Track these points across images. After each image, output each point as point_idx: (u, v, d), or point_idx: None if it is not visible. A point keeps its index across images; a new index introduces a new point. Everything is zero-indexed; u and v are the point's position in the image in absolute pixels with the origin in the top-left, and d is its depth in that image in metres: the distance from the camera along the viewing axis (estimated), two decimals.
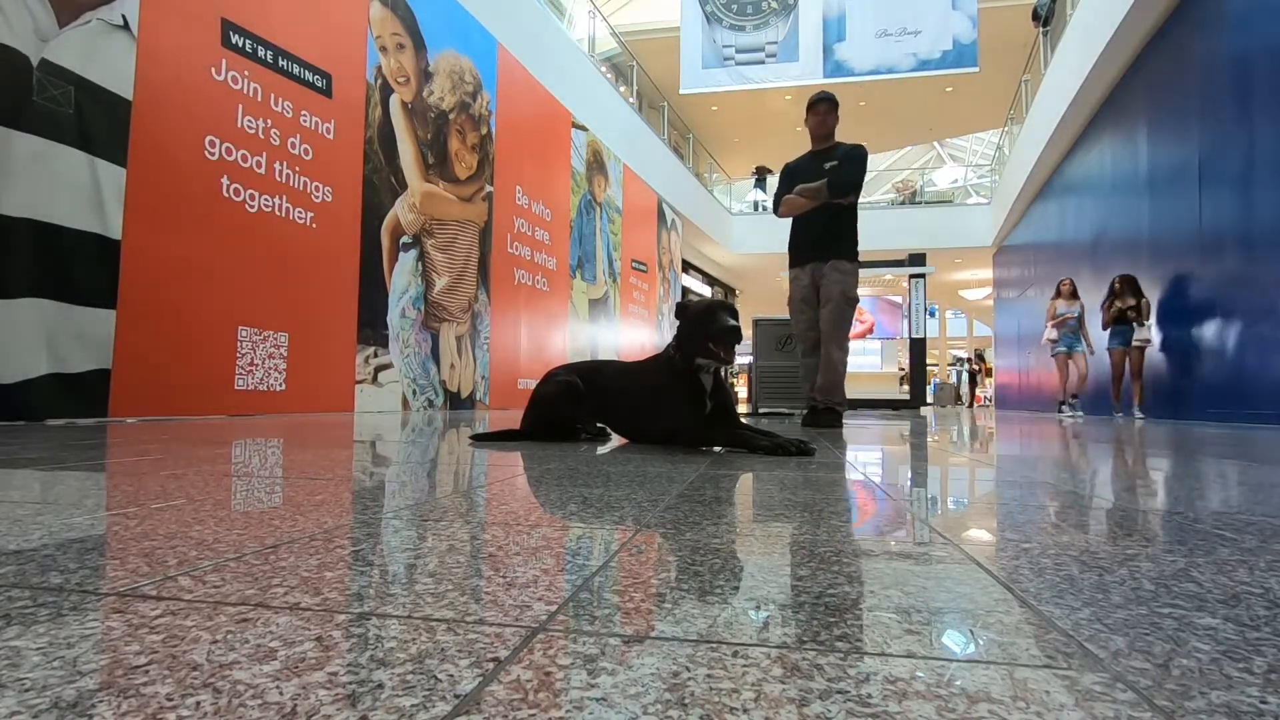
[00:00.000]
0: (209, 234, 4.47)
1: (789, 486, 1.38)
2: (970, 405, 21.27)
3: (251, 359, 4.76)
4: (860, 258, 4.26)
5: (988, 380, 24.84)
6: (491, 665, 0.45)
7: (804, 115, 4.35)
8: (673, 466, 1.70)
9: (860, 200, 4.19)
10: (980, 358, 26.80)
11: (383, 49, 6.16)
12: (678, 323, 2.38)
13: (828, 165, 4.09)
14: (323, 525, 0.92)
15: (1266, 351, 5.18)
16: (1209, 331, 6.04)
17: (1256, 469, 1.87)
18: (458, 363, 7.14)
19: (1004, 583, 0.68)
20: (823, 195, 4.04)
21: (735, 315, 2.26)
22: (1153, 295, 7.14)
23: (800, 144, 4.39)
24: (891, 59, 12.70)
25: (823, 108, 4.17)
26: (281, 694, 0.40)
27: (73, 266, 3.70)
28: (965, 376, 22.86)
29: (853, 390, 14.46)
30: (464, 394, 7.23)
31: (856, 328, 18.12)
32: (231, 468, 1.61)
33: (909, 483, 1.59)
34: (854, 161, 4.10)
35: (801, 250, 4.19)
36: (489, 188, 7.77)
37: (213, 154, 4.52)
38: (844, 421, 4.66)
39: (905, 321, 17.33)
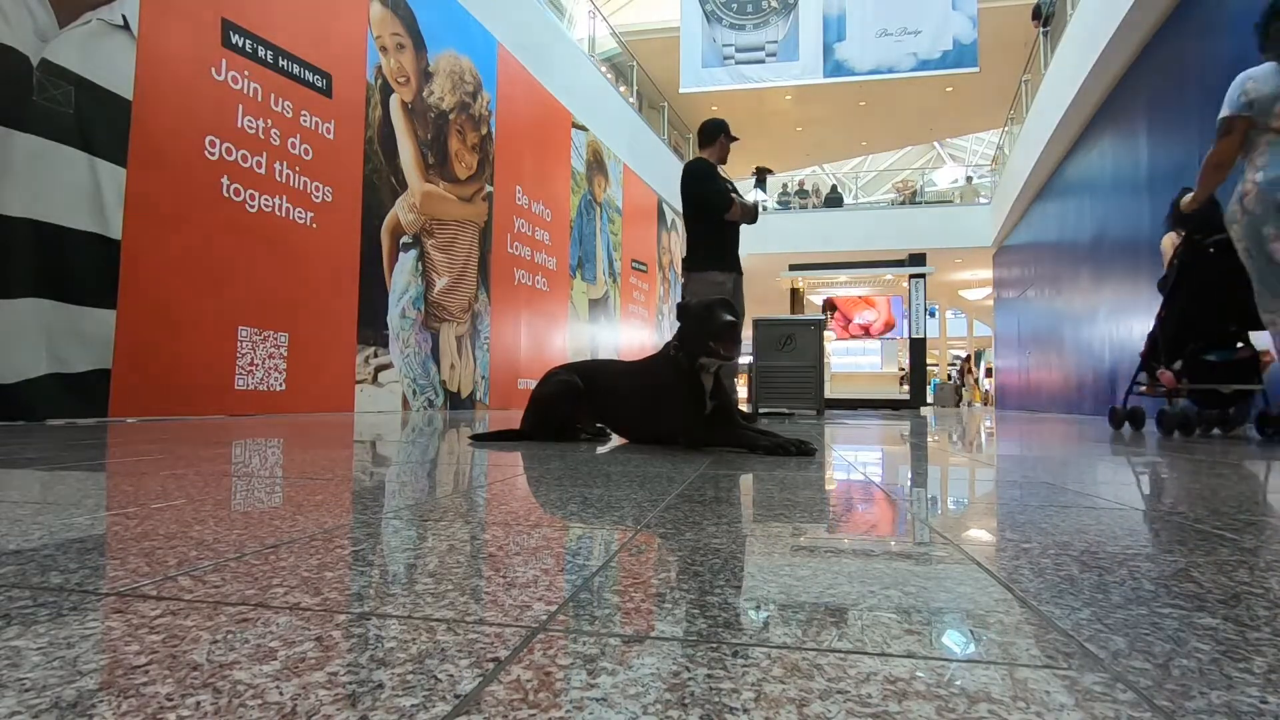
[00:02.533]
0: (209, 234, 4.47)
1: (789, 486, 1.38)
2: (955, 405, 21.40)
3: (251, 359, 4.76)
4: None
5: (980, 379, 24.95)
6: (491, 665, 0.45)
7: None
8: (673, 466, 1.70)
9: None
10: (971, 358, 26.94)
11: (383, 49, 6.16)
12: (679, 323, 2.38)
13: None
14: (323, 525, 0.92)
15: None
16: None
17: None
18: (458, 363, 7.14)
19: (1004, 583, 0.68)
20: (751, 218, 4.33)
21: (734, 311, 2.26)
22: (1153, 295, 7.13)
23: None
24: (891, 59, 12.69)
25: (723, 139, 4.48)
26: (281, 694, 0.40)
27: (73, 266, 3.70)
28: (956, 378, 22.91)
29: (853, 390, 14.50)
30: (464, 394, 7.22)
31: (866, 322, 18.11)
32: (231, 468, 1.61)
33: (908, 482, 1.59)
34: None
35: (730, 259, 4.41)
36: (489, 188, 7.77)
37: (213, 154, 4.52)
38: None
39: (905, 321, 17.32)
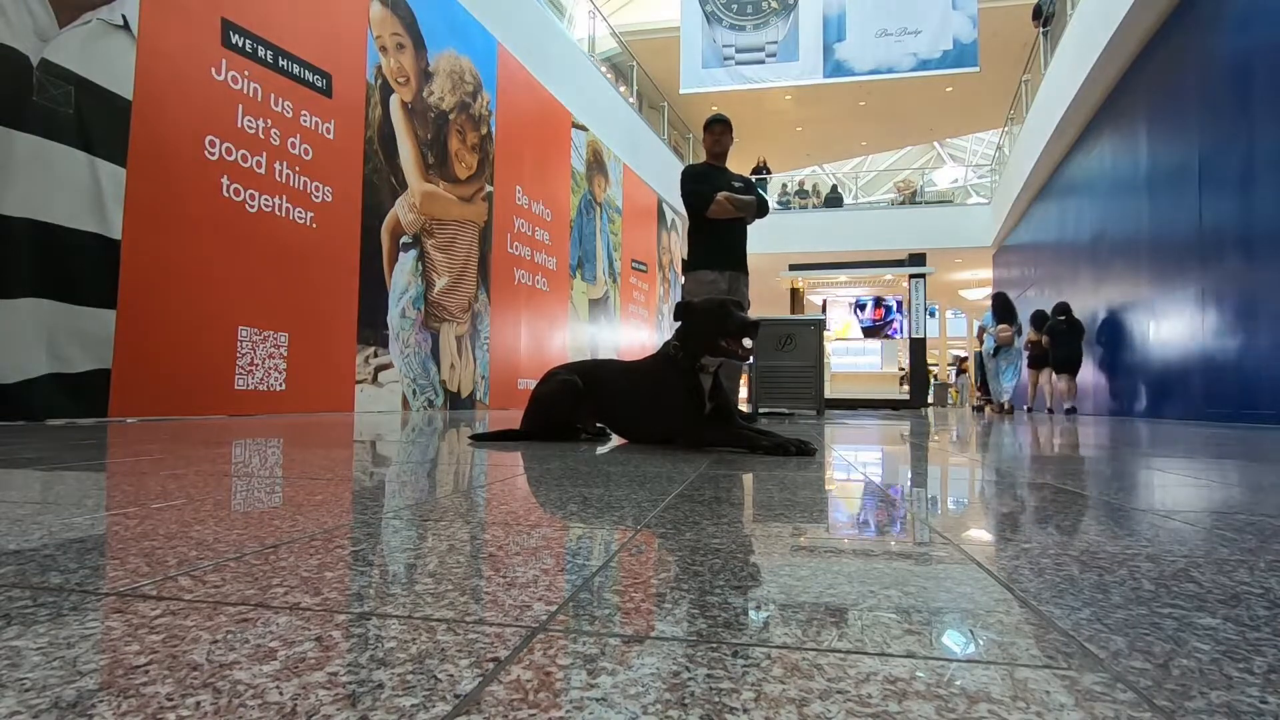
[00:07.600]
0: (209, 234, 4.47)
1: (789, 486, 1.38)
2: (942, 404, 21.68)
3: (251, 359, 4.76)
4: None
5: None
6: (491, 665, 0.45)
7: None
8: (673, 466, 1.70)
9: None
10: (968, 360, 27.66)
11: (383, 49, 6.16)
12: (679, 323, 2.38)
13: (736, 183, 4.28)
14: (323, 525, 0.92)
15: (1267, 352, 5.18)
16: (1209, 331, 6.04)
17: None
18: (458, 363, 7.14)
19: (1004, 583, 0.68)
20: (750, 211, 4.21)
21: (745, 311, 2.26)
22: (1152, 294, 7.13)
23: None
24: (891, 59, 12.69)
25: (719, 128, 4.35)
26: (281, 694, 0.40)
27: (73, 266, 3.70)
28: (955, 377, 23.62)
29: (853, 390, 14.51)
30: (464, 394, 7.22)
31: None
32: (231, 468, 1.61)
33: (908, 482, 1.59)
34: (757, 191, 4.42)
35: (726, 257, 4.32)
36: (489, 188, 7.76)
37: (213, 154, 4.52)
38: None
39: (905, 321, 17.32)
